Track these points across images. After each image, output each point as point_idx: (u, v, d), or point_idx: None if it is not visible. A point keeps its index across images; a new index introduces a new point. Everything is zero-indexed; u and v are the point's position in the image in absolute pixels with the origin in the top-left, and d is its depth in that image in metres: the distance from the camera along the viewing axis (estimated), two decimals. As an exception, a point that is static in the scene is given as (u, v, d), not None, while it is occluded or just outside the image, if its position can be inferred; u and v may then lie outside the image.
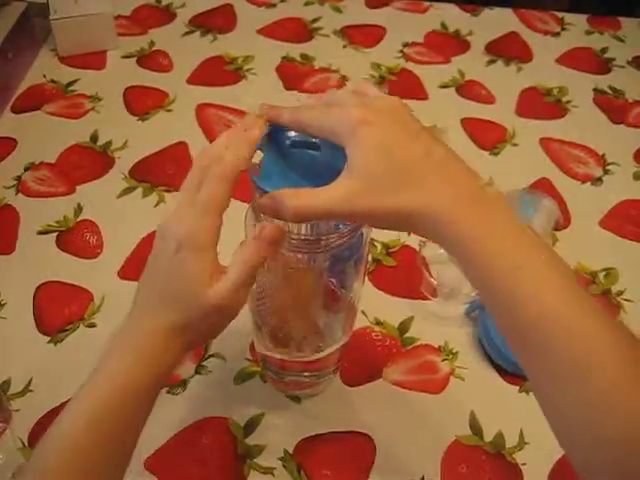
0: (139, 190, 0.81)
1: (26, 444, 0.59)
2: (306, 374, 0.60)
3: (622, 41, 1.07)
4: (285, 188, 0.41)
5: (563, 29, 1.10)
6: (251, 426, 0.61)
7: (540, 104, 0.96)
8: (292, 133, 0.44)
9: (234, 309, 0.42)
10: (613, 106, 0.96)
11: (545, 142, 0.90)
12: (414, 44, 1.05)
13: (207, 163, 0.42)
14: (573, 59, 1.04)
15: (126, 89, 0.95)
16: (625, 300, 0.72)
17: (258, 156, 0.44)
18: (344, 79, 0.97)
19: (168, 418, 0.60)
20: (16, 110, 0.91)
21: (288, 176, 0.42)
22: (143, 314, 0.43)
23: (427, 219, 0.38)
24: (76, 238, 0.75)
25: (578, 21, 1.11)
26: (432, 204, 0.38)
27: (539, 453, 0.60)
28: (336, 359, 0.61)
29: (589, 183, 0.85)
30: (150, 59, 1.00)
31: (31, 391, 0.62)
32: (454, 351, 0.67)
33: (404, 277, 0.73)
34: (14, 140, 0.86)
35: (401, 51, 1.03)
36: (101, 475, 0.41)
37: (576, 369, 0.35)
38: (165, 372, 0.43)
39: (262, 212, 0.44)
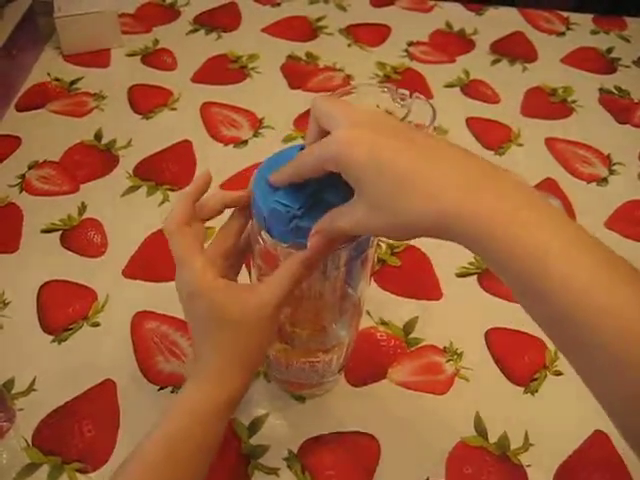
0: (143, 189, 0.81)
1: (30, 444, 0.59)
2: (311, 374, 0.60)
3: (628, 41, 1.07)
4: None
5: (568, 29, 1.09)
6: (255, 426, 0.61)
7: (545, 104, 0.96)
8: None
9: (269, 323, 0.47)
10: (619, 106, 0.96)
11: (550, 142, 0.90)
12: (419, 43, 1.05)
13: None
14: (578, 59, 1.03)
15: (130, 87, 0.94)
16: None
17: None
18: (349, 78, 0.97)
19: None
20: (20, 108, 0.91)
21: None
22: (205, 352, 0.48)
23: (442, 225, 0.36)
24: (80, 237, 0.75)
25: (583, 21, 1.11)
26: (439, 207, 0.35)
27: (544, 455, 0.60)
28: (341, 359, 0.60)
29: (594, 183, 0.85)
30: (154, 57, 1.00)
31: (35, 390, 0.62)
32: (459, 352, 0.67)
33: (409, 277, 0.73)
34: (18, 138, 0.86)
35: (406, 50, 1.03)
36: None
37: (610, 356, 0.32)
38: (233, 398, 0.48)
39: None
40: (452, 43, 1.05)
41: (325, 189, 0.43)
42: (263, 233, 0.47)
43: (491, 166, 0.38)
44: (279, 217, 0.44)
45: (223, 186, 0.81)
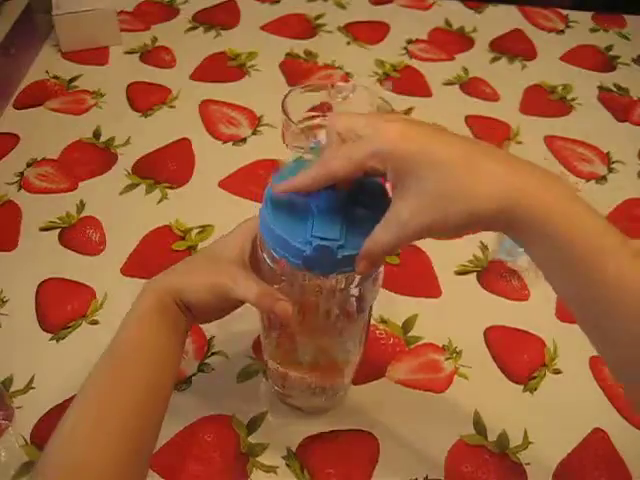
0: (142, 187, 0.81)
1: (28, 441, 0.58)
2: (315, 392, 0.59)
3: (627, 39, 1.07)
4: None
5: (568, 26, 1.09)
6: (254, 424, 0.61)
7: (544, 102, 0.96)
8: None
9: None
10: (618, 104, 0.96)
11: (549, 140, 0.90)
12: (418, 41, 1.04)
13: None
14: (578, 57, 1.03)
15: (129, 85, 0.94)
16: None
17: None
18: (348, 76, 0.97)
19: (171, 415, 0.59)
20: (18, 106, 0.91)
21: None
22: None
23: (505, 209, 0.36)
24: (79, 235, 0.75)
25: (583, 18, 1.11)
26: (505, 187, 0.36)
27: (543, 453, 0.60)
28: (349, 379, 0.60)
29: (593, 181, 0.85)
30: (153, 55, 0.99)
31: (33, 388, 0.62)
32: (458, 350, 0.67)
33: (408, 275, 0.73)
34: (16, 136, 0.86)
35: (405, 48, 1.03)
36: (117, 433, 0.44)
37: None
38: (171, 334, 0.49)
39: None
40: (451, 41, 1.05)
41: (354, 207, 0.42)
42: (294, 270, 0.45)
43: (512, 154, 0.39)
44: (325, 253, 0.42)
45: (222, 184, 0.81)
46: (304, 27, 1.06)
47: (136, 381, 0.46)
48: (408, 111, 0.92)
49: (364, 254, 0.41)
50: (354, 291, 0.47)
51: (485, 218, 0.37)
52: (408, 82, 0.97)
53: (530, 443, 0.60)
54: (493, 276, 0.73)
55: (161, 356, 0.48)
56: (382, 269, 0.48)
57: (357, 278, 0.46)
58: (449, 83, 0.97)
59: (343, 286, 0.46)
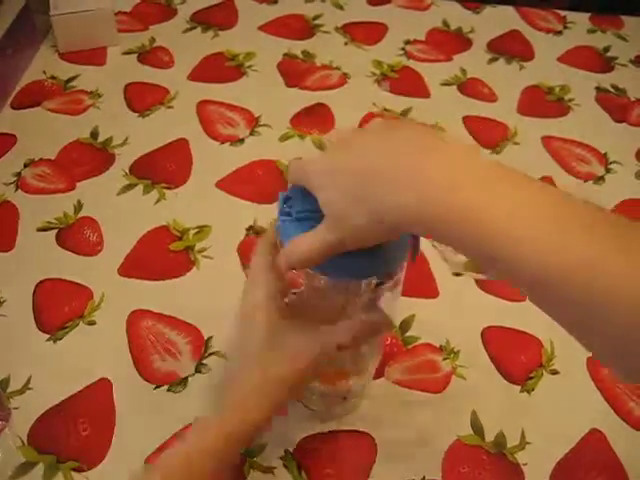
0: (139, 187, 0.81)
1: (25, 442, 0.58)
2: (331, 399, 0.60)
3: (625, 40, 1.07)
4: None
5: (565, 27, 1.09)
6: (251, 425, 0.61)
7: (542, 102, 0.96)
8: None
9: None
10: (615, 105, 0.96)
11: (547, 141, 0.90)
12: (416, 41, 1.04)
13: None
14: (575, 57, 1.03)
15: (127, 85, 0.94)
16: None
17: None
18: (346, 76, 0.97)
19: (169, 416, 0.60)
20: (16, 106, 0.90)
21: None
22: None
23: (401, 219, 0.37)
24: (76, 235, 0.75)
25: (580, 19, 1.11)
26: (398, 202, 0.37)
27: (540, 453, 0.60)
28: (367, 385, 0.60)
29: (591, 182, 0.85)
30: (151, 55, 0.99)
31: (30, 389, 0.62)
32: (455, 350, 0.67)
33: (405, 275, 0.72)
34: (13, 136, 0.86)
35: (403, 48, 1.03)
36: None
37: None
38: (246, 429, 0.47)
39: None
40: (449, 41, 1.05)
41: None
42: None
43: (427, 142, 0.39)
44: None
45: (219, 184, 0.81)
46: (302, 27, 1.06)
47: None
48: (406, 112, 0.92)
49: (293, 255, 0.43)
50: (371, 297, 0.48)
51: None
52: (406, 83, 0.97)
53: (527, 443, 0.60)
54: (490, 276, 0.73)
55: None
56: (402, 275, 0.48)
57: (373, 284, 0.46)
58: (447, 84, 0.97)
59: (360, 291, 0.46)
